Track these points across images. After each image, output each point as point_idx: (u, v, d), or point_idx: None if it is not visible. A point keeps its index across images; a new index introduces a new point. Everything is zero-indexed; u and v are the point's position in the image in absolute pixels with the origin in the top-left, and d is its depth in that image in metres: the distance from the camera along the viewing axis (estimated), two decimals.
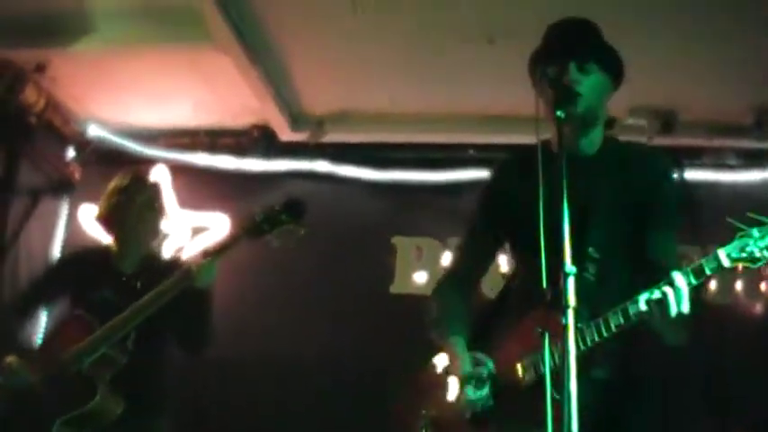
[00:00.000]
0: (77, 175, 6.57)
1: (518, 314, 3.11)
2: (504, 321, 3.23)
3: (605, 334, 2.79)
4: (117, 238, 4.40)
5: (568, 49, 3.02)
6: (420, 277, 6.10)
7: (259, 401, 5.75)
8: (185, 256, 5.75)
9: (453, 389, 3.08)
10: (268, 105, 5.94)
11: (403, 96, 5.85)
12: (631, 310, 2.73)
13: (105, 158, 6.52)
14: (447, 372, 3.16)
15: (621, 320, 2.75)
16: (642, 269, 2.96)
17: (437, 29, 5.00)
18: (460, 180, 6.07)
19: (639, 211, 3.07)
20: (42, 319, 5.32)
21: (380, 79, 5.68)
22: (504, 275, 3.55)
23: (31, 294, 4.59)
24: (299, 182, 6.37)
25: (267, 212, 3.85)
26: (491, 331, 3.23)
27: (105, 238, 6.07)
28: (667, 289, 2.63)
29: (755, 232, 2.61)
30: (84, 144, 6.52)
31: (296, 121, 6.24)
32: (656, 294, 2.66)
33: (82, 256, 4.62)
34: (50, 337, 4.28)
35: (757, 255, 2.59)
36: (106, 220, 4.45)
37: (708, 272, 2.65)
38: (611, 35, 3.10)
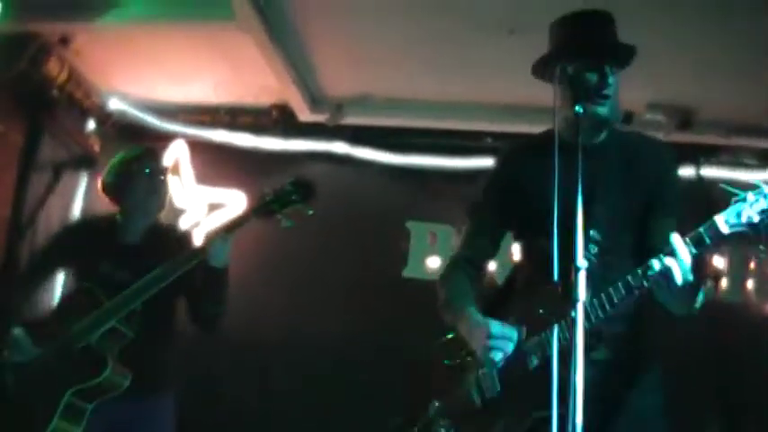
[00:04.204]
0: (97, 148, 6.58)
1: (523, 299, 3.15)
2: (508, 307, 3.24)
3: (609, 309, 2.79)
4: (123, 209, 4.35)
5: (601, 50, 3.02)
6: (433, 262, 6.13)
7: (269, 382, 5.82)
8: (200, 231, 5.90)
9: (466, 377, 3.11)
10: (288, 86, 5.95)
11: (422, 82, 5.85)
12: (634, 282, 2.72)
13: (125, 132, 6.57)
14: (461, 356, 3.19)
15: (623, 292, 2.75)
16: (644, 256, 2.85)
17: (459, 17, 4.98)
18: (477, 168, 6.03)
19: (643, 197, 3.08)
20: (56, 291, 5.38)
21: (401, 64, 5.66)
22: (515, 264, 3.56)
23: (34, 267, 4.63)
24: (317, 162, 6.40)
25: (277, 192, 3.89)
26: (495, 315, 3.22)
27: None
28: (669, 260, 2.61)
29: (750, 196, 2.52)
30: (104, 117, 6.54)
31: (315, 102, 6.26)
32: (658, 265, 2.64)
33: (84, 227, 4.68)
34: (58, 309, 4.28)
35: (755, 220, 2.52)
36: (112, 190, 4.40)
37: (707, 240, 2.59)
38: (632, 30, 3.11)
